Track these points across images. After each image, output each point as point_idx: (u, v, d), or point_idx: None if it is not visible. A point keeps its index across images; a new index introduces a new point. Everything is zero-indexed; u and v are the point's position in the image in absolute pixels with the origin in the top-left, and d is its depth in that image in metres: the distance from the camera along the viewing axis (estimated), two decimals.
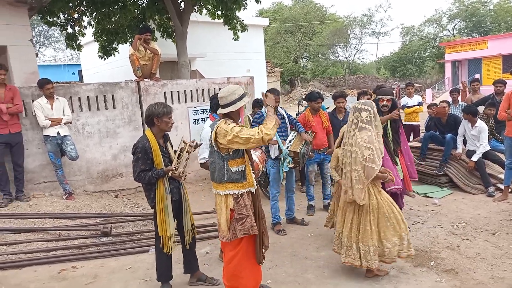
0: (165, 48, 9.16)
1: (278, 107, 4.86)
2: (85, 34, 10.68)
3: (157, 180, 3.28)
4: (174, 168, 3.30)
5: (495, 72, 21.37)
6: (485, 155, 6.18)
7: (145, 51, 6.99)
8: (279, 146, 4.77)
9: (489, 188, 5.88)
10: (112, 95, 6.52)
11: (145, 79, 7.00)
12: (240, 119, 3.09)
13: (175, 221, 3.49)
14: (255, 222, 3.00)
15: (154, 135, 3.33)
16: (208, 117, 4.29)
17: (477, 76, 16.08)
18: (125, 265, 4.13)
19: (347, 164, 3.44)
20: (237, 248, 3.04)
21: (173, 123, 3.44)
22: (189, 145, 3.44)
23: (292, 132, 4.98)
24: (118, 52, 11.06)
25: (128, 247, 4.50)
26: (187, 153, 3.41)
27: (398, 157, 4.64)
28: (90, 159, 6.35)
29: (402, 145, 4.79)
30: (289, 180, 4.95)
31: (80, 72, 20.23)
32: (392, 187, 4.19)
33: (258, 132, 2.78)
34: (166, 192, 3.31)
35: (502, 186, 5.82)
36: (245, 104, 3.04)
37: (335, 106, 5.77)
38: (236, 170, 2.97)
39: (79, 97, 6.24)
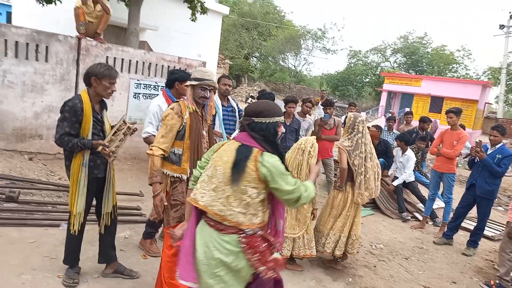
0: (114, 11, 8.43)
1: (231, 99, 4.69)
2: None
3: (81, 150, 2.88)
4: (106, 145, 2.91)
5: (423, 109, 23.32)
6: (407, 185, 6.61)
7: (94, 7, 6.34)
8: (223, 140, 4.58)
9: (403, 213, 6.33)
10: (47, 47, 5.79)
11: (88, 38, 6.35)
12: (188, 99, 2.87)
13: (95, 200, 3.11)
14: None
15: (90, 98, 2.92)
16: (160, 93, 3.93)
17: (407, 109, 17.32)
18: (29, 238, 3.65)
19: (368, 168, 3.93)
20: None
21: (115, 90, 3.03)
22: (128, 127, 3.05)
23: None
24: (61, 2, 9.96)
25: (36, 218, 3.99)
26: (123, 135, 3.05)
27: None
28: (6, 112, 5.57)
29: None
30: None
31: (9, 14, 17.95)
32: None
33: (152, 147, 2.74)
34: (83, 165, 2.90)
35: (419, 216, 6.33)
36: (200, 86, 2.80)
37: (284, 110, 5.74)
38: (173, 151, 2.80)
39: (6, 40, 5.43)
